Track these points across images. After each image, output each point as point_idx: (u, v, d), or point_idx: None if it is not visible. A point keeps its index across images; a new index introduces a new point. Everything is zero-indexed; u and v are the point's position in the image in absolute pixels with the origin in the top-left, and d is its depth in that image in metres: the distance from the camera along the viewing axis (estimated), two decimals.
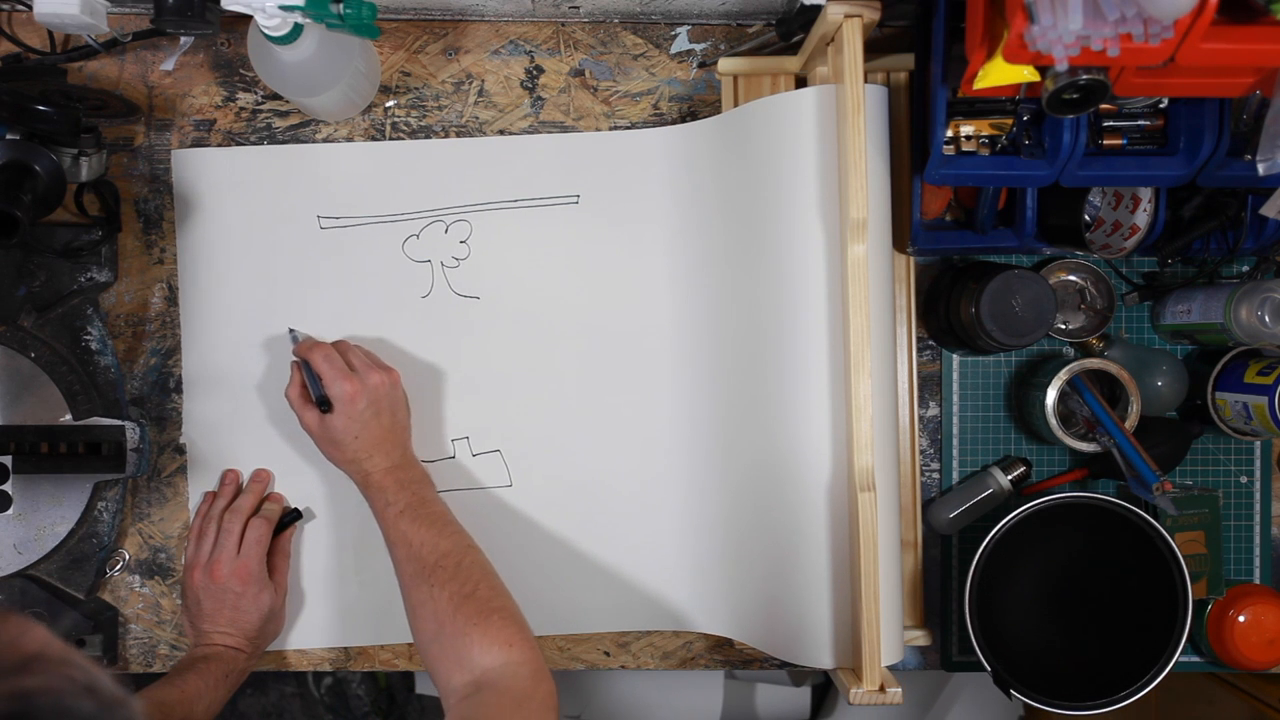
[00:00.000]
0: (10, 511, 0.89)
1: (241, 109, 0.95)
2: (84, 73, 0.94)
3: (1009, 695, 0.87)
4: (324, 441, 0.87)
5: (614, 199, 0.95)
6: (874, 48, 0.89)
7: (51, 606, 0.90)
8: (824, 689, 1.53)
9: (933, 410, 0.97)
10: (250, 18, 0.76)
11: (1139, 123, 0.81)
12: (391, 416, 0.88)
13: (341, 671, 1.69)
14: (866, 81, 0.78)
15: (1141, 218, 0.86)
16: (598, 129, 0.96)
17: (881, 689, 0.79)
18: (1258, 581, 0.97)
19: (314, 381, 0.87)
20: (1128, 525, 0.88)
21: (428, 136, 0.95)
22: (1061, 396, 0.90)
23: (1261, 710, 1.03)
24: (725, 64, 0.92)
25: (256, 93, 0.95)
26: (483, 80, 0.96)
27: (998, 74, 0.68)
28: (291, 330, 0.93)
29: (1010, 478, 0.94)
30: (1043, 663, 0.89)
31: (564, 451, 0.95)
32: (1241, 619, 0.93)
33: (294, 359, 0.90)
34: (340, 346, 0.89)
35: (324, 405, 0.86)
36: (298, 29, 0.77)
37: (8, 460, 0.87)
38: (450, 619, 0.77)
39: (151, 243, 0.95)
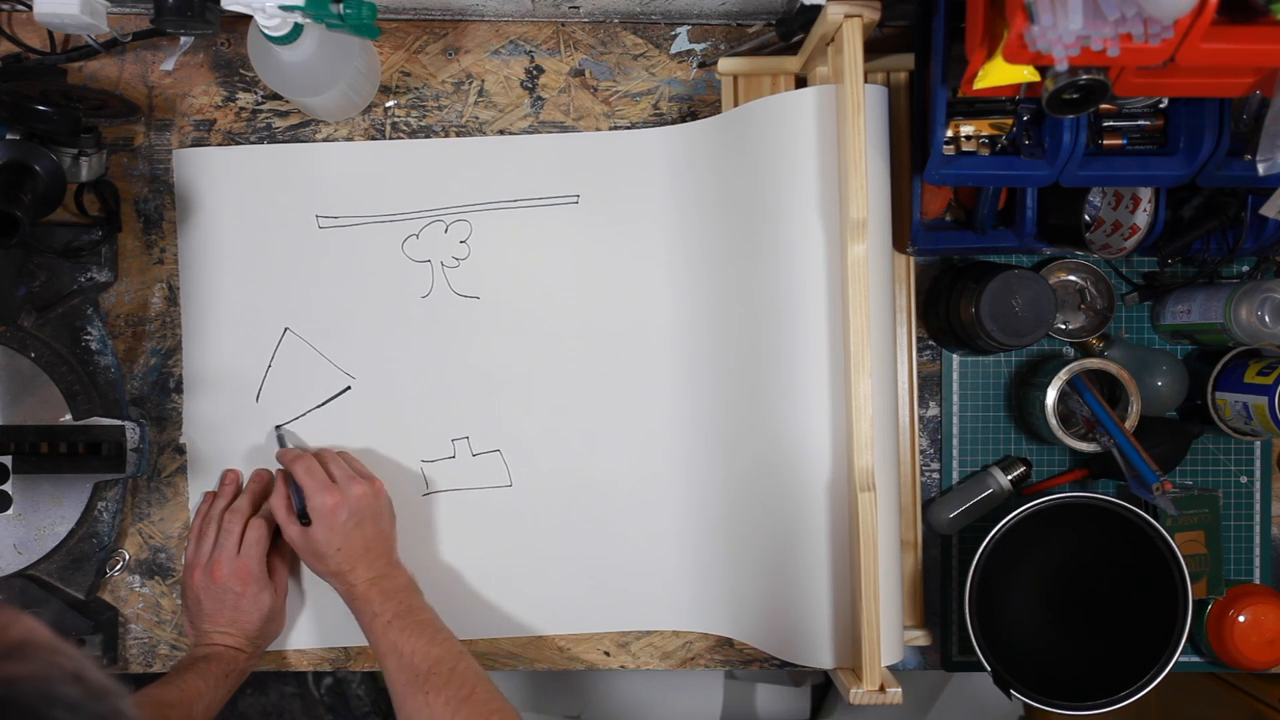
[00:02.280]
0: (10, 511, 0.89)
1: (241, 109, 0.95)
2: (84, 73, 0.94)
3: (1009, 695, 0.87)
4: (306, 553, 0.87)
5: (614, 199, 0.95)
6: (874, 48, 0.89)
7: (51, 606, 0.90)
8: (824, 689, 1.53)
9: (933, 410, 0.97)
10: (250, 18, 0.76)
11: (1139, 123, 0.81)
12: (375, 526, 0.87)
13: (341, 671, 1.69)
14: (866, 81, 0.78)
15: (1141, 218, 0.86)
16: (598, 129, 0.96)
17: (881, 689, 0.79)
18: (1258, 581, 0.97)
19: (297, 493, 0.87)
20: (1128, 525, 0.88)
21: (428, 136, 0.95)
22: (1061, 396, 0.90)
23: (1261, 710, 1.03)
24: (725, 64, 0.92)
25: (256, 93, 0.95)
26: (483, 80, 0.96)
27: (998, 74, 0.68)
28: (278, 429, 0.93)
29: (1010, 478, 0.94)
30: (1043, 663, 0.89)
31: (564, 451, 0.95)
32: (1241, 619, 0.93)
33: (279, 467, 0.90)
34: (323, 456, 0.89)
35: (305, 519, 0.87)
36: (298, 29, 0.77)
37: (8, 460, 0.87)
38: None
39: (151, 243, 0.95)
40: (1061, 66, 0.63)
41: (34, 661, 0.42)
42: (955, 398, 0.97)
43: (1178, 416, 0.96)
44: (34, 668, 0.42)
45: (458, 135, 0.95)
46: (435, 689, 0.79)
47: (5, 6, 0.92)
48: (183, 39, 0.94)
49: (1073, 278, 0.96)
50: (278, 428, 0.93)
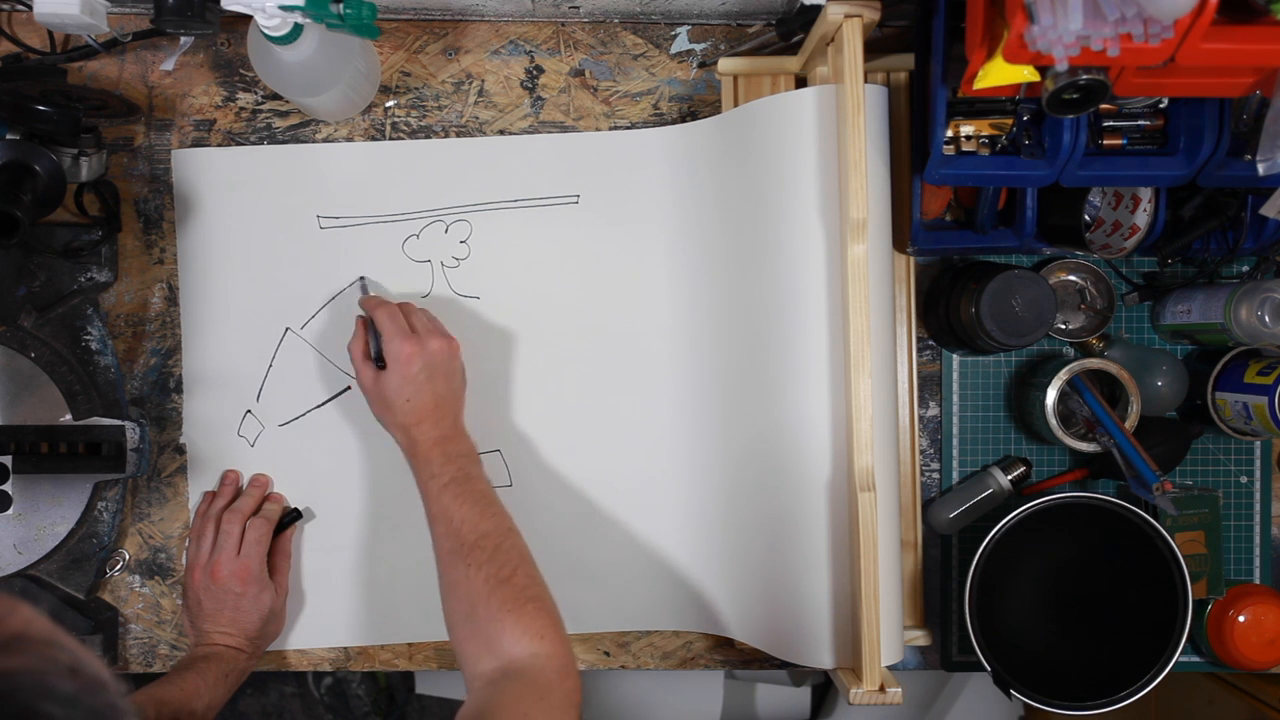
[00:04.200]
0: (10, 511, 0.89)
1: (241, 109, 0.95)
2: (84, 73, 0.94)
3: (1009, 695, 0.87)
4: (376, 401, 0.86)
5: (614, 199, 0.95)
6: (874, 48, 0.89)
7: (51, 606, 0.90)
8: (824, 689, 1.53)
9: (933, 410, 0.97)
10: (250, 18, 0.76)
11: (1139, 123, 0.81)
12: (446, 384, 0.86)
13: (341, 671, 1.69)
14: (866, 81, 0.78)
15: (1141, 218, 0.86)
16: (598, 129, 0.96)
17: (881, 689, 0.79)
18: (1258, 581, 0.97)
19: (376, 339, 0.86)
20: (1128, 525, 0.88)
21: (428, 136, 0.95)
22: (1061, 396, 0.90)
23: (1261, 710, 1.03)
24: (725, 64, 0.92)
25: (256, 93, 0.95)
26: (483, 80, 0.96)
27: (998, 74, 0.68)
28: (362, 279, 0.93)
29: (1010, 478, 0.94)
30: (1043, 663, 0.89)
31: (564, 451, 0.95)
32: (1241, 619, 0.93)
33: (359, 314, 0.89)
34: (406, 308, 0.88)
35: (380, 363, 0.86)
36: (298, 29, 0.77)
37: (8, 460, 0.87)
38: (484, 602, 0.76)
39: (151, 243, 0.95)
40: (1061, 66, 0.63)
41: (29, 655, 0.41)
42: (955, 398, 0.97)
43: (1178, 416, 0.96)
44: (29, 661, 0.41)
45: (458, 135, 0.95)
46: (478, 563, 0.78)
47: (5, 6, 0.92)
48: (183, 39, 0.94)
49: (1073, 278, 0.96)
50: (361, 277, 0.93)
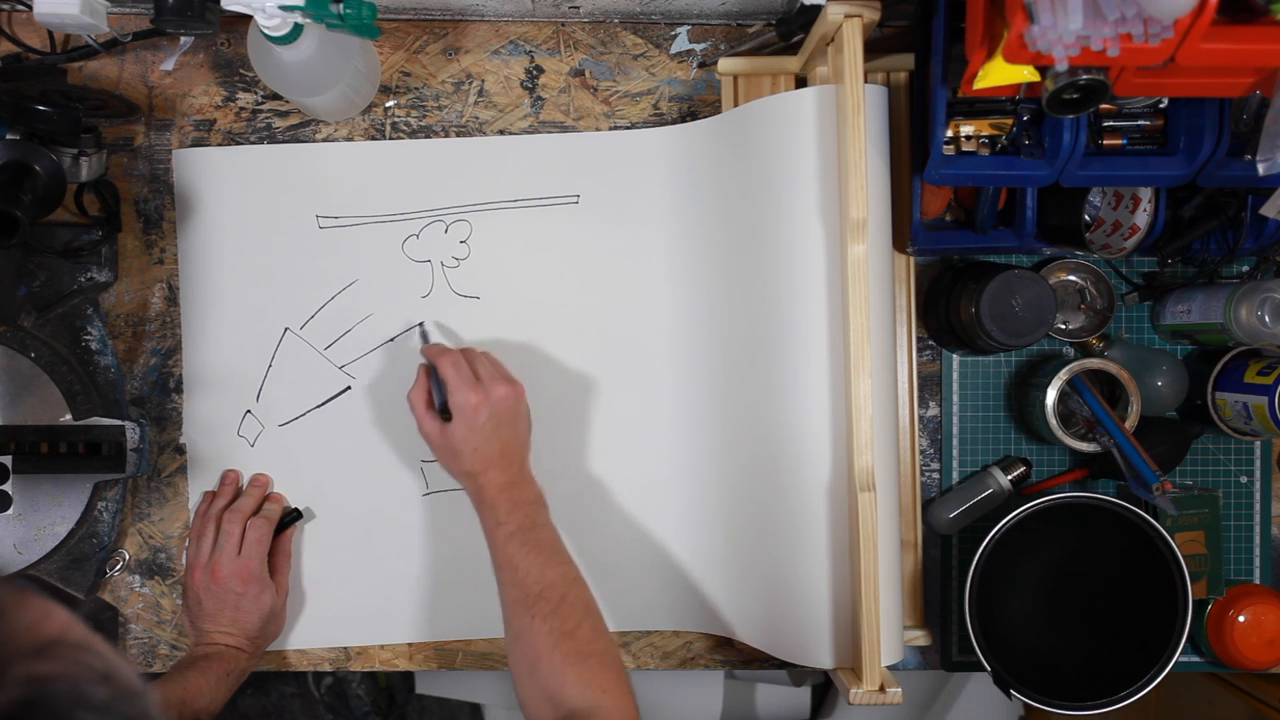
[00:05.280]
0: (10, 511, 0.89)
1: (241, 109, 0.95)
2: (84, 73, 0.94)
3: (1009, 695, 0.87)
4: (442, 450, 0.85)
5: (614, 199, 0.95)
6: (874, 48, 0.89)
7: None
8: (824, 689, 1.53)
9: (933, 410, 0.97)
10: (250, 18, 0.76)
11: (1139, 123, 0.81)
12: (513, 430, 0.85)
13: (341, 671, 1.69)
14: (866, 81, 0.78)
15: (1141, 218, 0.86)
16: (598, 129, 0.96)
17: (881, 689, 0.79)
18: (1258, 581, 0.97)
19: (439, 388, 0.85)
20: (1128, 525, 0.88)
21: (428, 136, 0.95)
22: (1061, 396, 0.90)
23: (1261, 710, 1.03)
24: (725, 64, 0.92)
25: (256, 93, 0.95)
26: (483, 80, 0.96)
27: (998, 74, 0.68)
28: (420, 325, 0.92)
29: (1010, 478, 0.94)
30: (1043, 663, 0.89)
31: (564, 451, 0.95)
32: (1241, 619, 0.93)
33: (421, 362, 0.88)
34: (468, 354, 0.86)
35: (445, 414, 0.84)
36: (298, 29, 0.77)
37: (8, 460, 0.87)
38: (548, 655, 0.77)
39: (151, 243, 0.95)
40: (1061, 66, 0.63)
41: (64, 661, 0.41)
42: (955, 398, 0.97)
43: (1178, 416, 0.96)
44: (64, 667, 0.41)
45: (458, 135, 0.95)
46: (542, 615, 0.78)
47: (5, 6, 0.92)
48: (183, 39, 0.94)
49: (1073, 278, 0.96)
50: (420, 323, 0.92)
